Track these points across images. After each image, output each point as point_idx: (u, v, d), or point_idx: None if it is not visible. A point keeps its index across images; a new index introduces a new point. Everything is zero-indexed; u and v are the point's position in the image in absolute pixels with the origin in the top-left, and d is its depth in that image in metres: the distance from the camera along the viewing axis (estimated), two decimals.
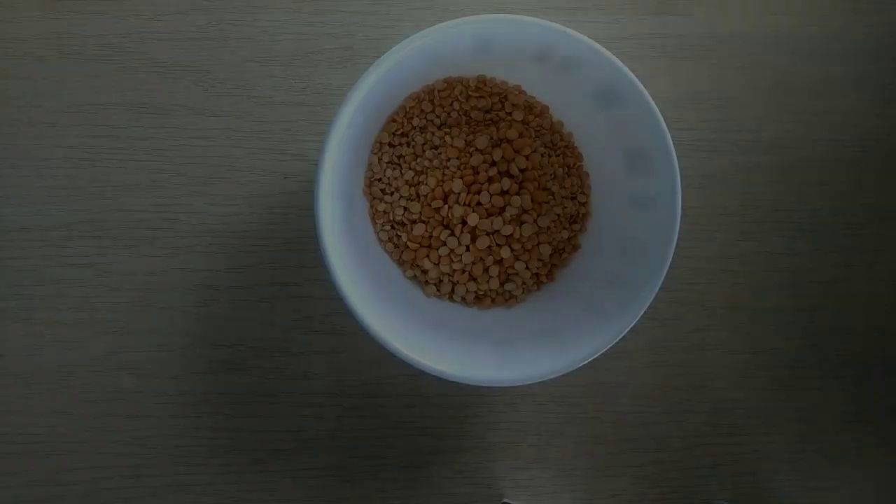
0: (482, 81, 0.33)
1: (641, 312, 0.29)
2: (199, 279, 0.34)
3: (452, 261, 0.32)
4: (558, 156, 0.33)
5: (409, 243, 0.32)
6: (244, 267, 0.34)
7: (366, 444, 0.35)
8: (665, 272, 0.29)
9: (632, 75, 0.28)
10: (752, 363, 0.36)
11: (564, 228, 0.33)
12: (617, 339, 0.29)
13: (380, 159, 0.32)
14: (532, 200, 0.32)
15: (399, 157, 0.32)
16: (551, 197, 0.33)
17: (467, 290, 0.32)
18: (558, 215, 0.33)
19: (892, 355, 0.37)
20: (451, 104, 0.32)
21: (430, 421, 0.35)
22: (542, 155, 0.33)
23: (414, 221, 0.32)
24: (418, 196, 0.32)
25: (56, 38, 0.34)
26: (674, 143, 0.28)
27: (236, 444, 0.35)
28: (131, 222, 0.34)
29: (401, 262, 0.33)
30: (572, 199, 0.33)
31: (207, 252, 0.34)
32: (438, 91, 0.32)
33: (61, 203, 0.34)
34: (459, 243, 0.32)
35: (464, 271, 0.32)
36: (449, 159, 0.32)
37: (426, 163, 0.32)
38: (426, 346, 0.30)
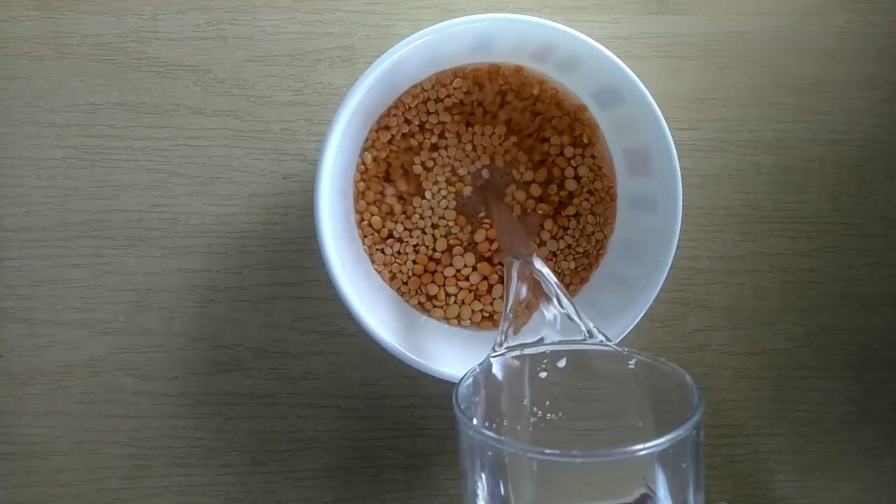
0: (466, 73, 0.32)
1: (643, 313, 0.29)
2: (198, 280, 0.34)
3: (458, 280, 0.32)
4: (593, 194, 0.32)
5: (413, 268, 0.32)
6: (243, 267, 0.34)
7: (365, 446, 0.35)
8: (666, 273, 0.29)
9: (632, 75, 0.28)
10: (752, 363, 0.36)
11: (573, 259, 0.33)
12: (618, 340, 0.29)
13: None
14: (556, 224, 0.32)
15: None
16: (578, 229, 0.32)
17: (472, 311, 0.32)
18: (569, 245, 0.33)
19: (892, 355, 0.37)
20: (437, 110, 0.32)
21: (430, 422, 0.35)
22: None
23: (416, 247, 0.32)
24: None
25: (54, 38, 0.34)
26: (675, 143, 0.28)
27: (235, 445, 0.34)
28: (130, 222, 0.34)
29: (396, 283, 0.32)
30: (589, 236, 0.32)
31: (206, 252, 0.34)
32: (425, 90, 0.31)
33: (59, 203, 0.34)
34: (465, 264, 0.32)
35: (470, 290, 0.32)
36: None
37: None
38: (426, 346, 0.30)
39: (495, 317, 0.32)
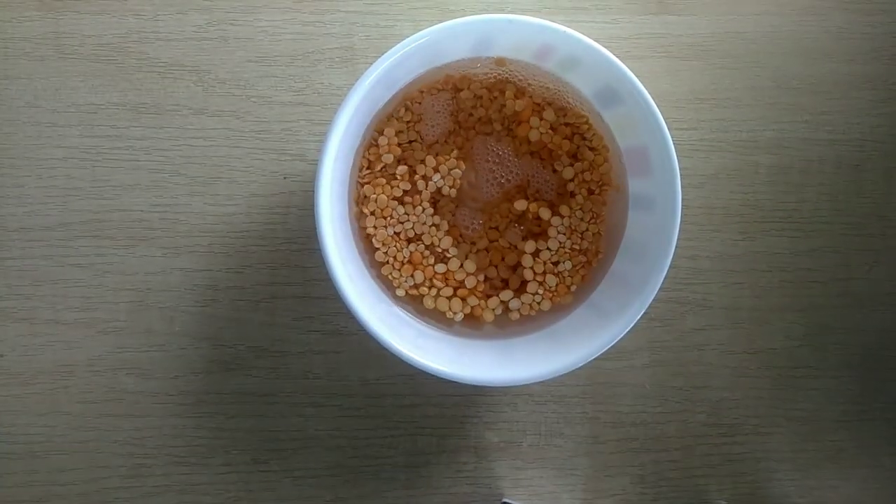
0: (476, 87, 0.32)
1: (641, 312, 0.29)
2: (199, 279, 0.34)
3: (448, 278, 0.32)
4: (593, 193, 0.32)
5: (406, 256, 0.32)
6: (244, 267, 0.34)
7: (365, 444, 0.35)
8: (665, 272, 0.29)
9: (632, 75, 0.28)
10: (752, 363, 0.36)
11: (569, 258, 0.32)
12: (617, 339, 0.29)
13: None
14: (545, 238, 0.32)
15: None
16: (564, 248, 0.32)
17: (464, 303, 0.32)
18: (563, 244, 0.32)
19: (890, 354, 0.37)
20: (438, 115, 0.32)
21: (430, 421, 0.35)
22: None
23: (411, 240, 0.32)
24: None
25: (55, 38, 0.34)
26: (674, 143, 0.28)
27: (236, 444, 0.35)
28: (131, 222, 0.34)
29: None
30: (583, 232, 0.32)
31: (207, 252, 0.34)
32: (427, 95, 0.31)
33: (61, 203, 0.34)
34: (461, 265, 0.32)
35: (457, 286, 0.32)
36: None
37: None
38: (426, 345, 0.30)
39: (487, 314, 0.32)
